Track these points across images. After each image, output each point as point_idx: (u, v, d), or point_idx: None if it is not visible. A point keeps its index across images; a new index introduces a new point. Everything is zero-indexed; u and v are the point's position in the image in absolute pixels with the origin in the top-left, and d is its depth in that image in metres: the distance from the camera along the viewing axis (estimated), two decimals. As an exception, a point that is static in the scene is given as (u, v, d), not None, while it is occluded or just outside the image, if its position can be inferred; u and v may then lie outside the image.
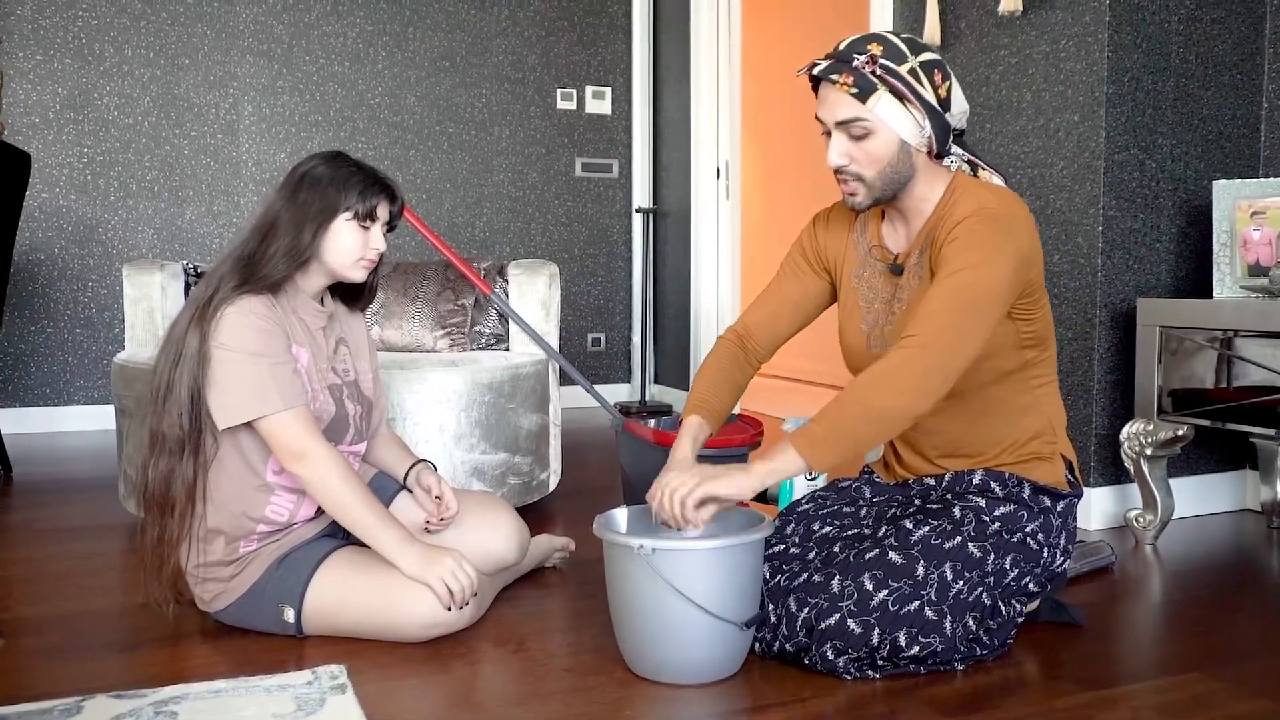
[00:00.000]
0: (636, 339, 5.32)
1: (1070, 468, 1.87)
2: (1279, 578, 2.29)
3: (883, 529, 1.76)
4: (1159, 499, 2.55)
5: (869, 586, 1.63)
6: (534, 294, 2.90)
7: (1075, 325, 2.74)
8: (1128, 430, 2.57)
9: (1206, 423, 2.45)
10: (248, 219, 4.50)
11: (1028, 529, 1.78)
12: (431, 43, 4.91)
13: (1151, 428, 2.53)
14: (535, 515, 2.78)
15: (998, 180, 1.83)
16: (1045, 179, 2.80)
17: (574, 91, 5.18)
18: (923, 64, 1.67)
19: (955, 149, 1.81)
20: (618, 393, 5.35)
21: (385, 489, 2.04)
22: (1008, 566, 1.73)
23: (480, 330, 2.98)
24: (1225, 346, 2.40)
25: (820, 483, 2.40)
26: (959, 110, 1.75)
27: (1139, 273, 2.73)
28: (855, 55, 1.66)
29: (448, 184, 4.97)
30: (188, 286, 2.95)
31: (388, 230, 1.89)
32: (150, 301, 2.85)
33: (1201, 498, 2.87)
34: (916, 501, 1.86)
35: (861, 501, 1.92)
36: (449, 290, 2.94)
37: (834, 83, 1.65)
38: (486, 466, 2.63)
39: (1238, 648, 1.85)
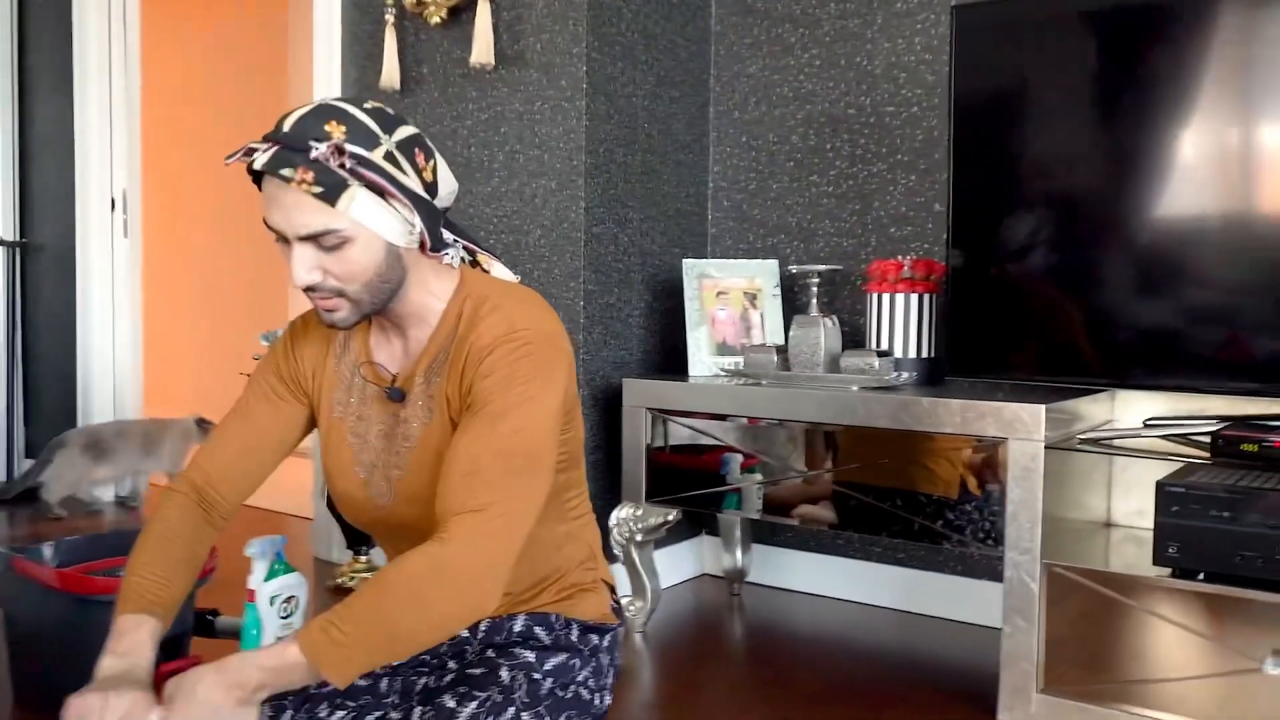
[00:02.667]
0: (0, 403, 4.24)
1: (613, 591, 1.66)
2: (746, 644, 2.45)
3: (416, 712, 1.39)
4: (648, 585, 2.48)
5: (411, 801, 1.25)
6: None
7: (558, 404, 2.59)
8: (617, 515, 2.47)
9: (692, 508, 2.44)
10: None
11: (579, 678, 1.53)
12: None
13: (641, 512, 2.45)
14: None
15: (499, 268, 1.56)
16: (522, 246, 2.63)
17: (-99, 88, 3.98)
18: (400, 144, 1.30)
19: (448, 235, 1.49)
20: (-27, 474, 4.20)
21: None
22: (561, 727, 1.47)
23: None
24: (690, 425, 2.40)
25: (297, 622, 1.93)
26: (447, 191, 1.43)
27: (617, 349, 2.66)
28: (313, 144, 1.23)
29: None
30: None
31: None
32: None
33: (671, 568, 2.89)
34: (452, 664, 1.51)
35: (382, 669, 1.52)
36: None
37: (287, 180, 1.22)
38: None
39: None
